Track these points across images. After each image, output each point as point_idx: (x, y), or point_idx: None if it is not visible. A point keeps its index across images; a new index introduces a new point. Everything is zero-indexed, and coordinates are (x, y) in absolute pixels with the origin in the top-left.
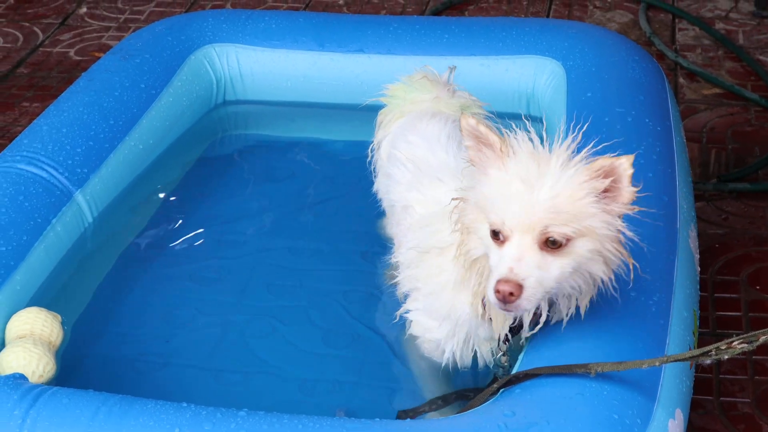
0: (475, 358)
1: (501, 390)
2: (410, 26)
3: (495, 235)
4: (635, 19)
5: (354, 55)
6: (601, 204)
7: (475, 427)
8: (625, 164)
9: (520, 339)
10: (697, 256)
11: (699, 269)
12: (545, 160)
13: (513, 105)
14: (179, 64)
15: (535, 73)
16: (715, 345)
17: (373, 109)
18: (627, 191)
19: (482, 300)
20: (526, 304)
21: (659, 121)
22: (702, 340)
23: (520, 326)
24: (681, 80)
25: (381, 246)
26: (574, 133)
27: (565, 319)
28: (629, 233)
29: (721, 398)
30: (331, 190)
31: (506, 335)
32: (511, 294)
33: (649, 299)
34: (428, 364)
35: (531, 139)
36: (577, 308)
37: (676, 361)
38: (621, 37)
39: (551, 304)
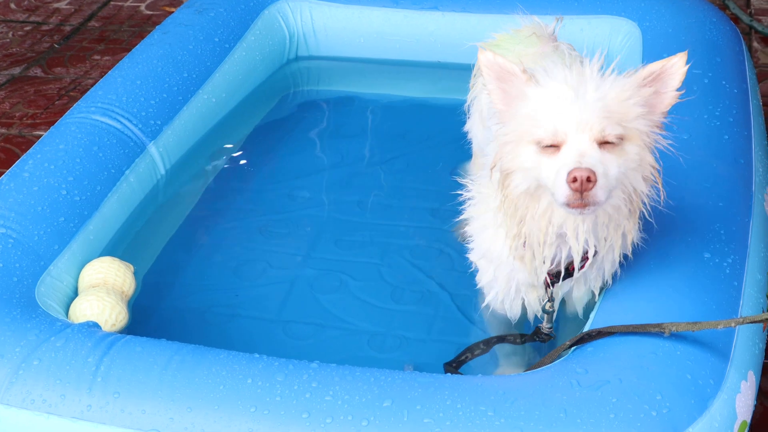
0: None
1: (573, 347)
2: None
3: (548, 149)
4: None
5: (428, 12)
6: (645, 109)
7: (549, 384)
8: (679, 62)
9: (563, 287)
10: None
11: None
12: (580, 70)
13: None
14: (253, 19)
15: (610, 34)
16: None
17: (446, 68)
18: (670, 95)
19: (522, 244)
20: (602, 194)
21: (736, 83)
22: None
23: (559, 273)
24: (755, 44)
25: (451, 203)
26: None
27: (604, 260)
28: (665, 142)
29: None
30: (401, 147)
31: (549, 281)
32: (589, 180)
33: (723, 261)
34: (492, 314)
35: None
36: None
37: (752, 322)
38: None
39: (595, 235)
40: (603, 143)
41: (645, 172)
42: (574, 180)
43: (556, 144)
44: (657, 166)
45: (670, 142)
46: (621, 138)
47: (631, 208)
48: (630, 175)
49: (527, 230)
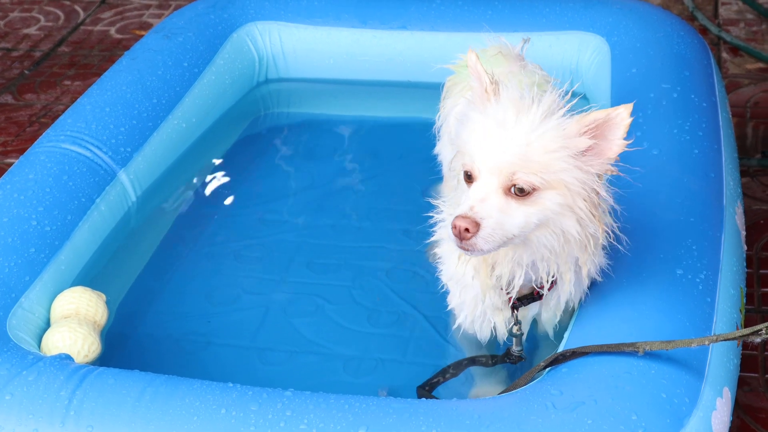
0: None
1: (548, 368)
2: (453, 2)
3: (468, 177)
4: None
5: (397, 31)
6: (578, 161)
7: (523, 406)
8: (623, 113)
9: (531, 311)
10: (744, 233)
11: (745, 247)
12: (525, 108)
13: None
14: (222, 43)
15: (579, 49)
16: (766, 324)
17: (416, 87)
18: (617, 144)
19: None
20: (482, 243)
21: (705, 97)
22: (747, 317)
23: (529, 297)
24: (724, 55)
25: (424, 224)
26: (561, 89)
27: (547, 286)
28: (603, 194)
29: (767, 376)
30: (373, 168)
31: (514, 305)
32: (467, 230)
33: (695, 277)
34: (463, 336)
35: (519, 90)
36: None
37: (725, 340)
38: (665, 12)
39: (536, 271)
40: (515, 188)
41: (579, 215)
42: (455, 227)
43: (473, 176)
44: (597, 214)
45: (624, 176)
46: (534, 188)
47: (579, 241)
48: (554, 222)
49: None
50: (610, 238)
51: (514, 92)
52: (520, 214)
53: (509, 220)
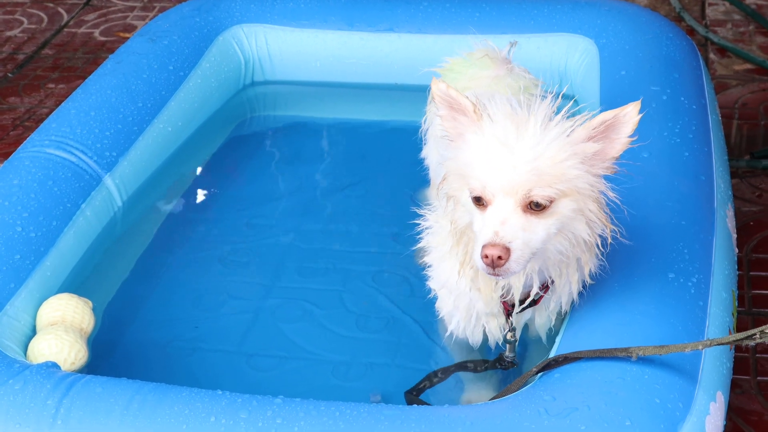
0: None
1: (540, 373)
2: (441, 4)
3: (477, 201)
4: None
5: (384, 34)
6: (587, 165)
7: (516, 412)
8: (632, 111)
9: (524, 316)
10: (735, 235)
11: (736, 249)
12: (524, 121)
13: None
14: (207, 46)
15: (567, 51)
16: (760, 329)
17: (403, 89)
18: (621, 142)
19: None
20: (515, 266)
21: (694, 99)
22: (738, 319)
23: (525, 303)
24: (712, 56)
25: (412, 228)
26: (552, 93)
27: (561, 291)
28: (611, 194)
29: (758, 378)
30: (361, 171)
31: (508, 311)
32: (500, 258)
33: (687, 281)
34: (455, 342)
35: (509, 103)
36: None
37: (720, 344)
38: (654, 14)
39: (541, 276)
40: (531, 205)
41: (589, 218)
42: (486, 256)
43: (485, 200)
44: (602, 216)
45: (621, 182)
46: (551, 200)
47: (587, 242)
48: (567, 227)
49: (473, 261)
50: (618, 237)
51: (505, 106)
52: (540, 228)
53: (533, 236)
